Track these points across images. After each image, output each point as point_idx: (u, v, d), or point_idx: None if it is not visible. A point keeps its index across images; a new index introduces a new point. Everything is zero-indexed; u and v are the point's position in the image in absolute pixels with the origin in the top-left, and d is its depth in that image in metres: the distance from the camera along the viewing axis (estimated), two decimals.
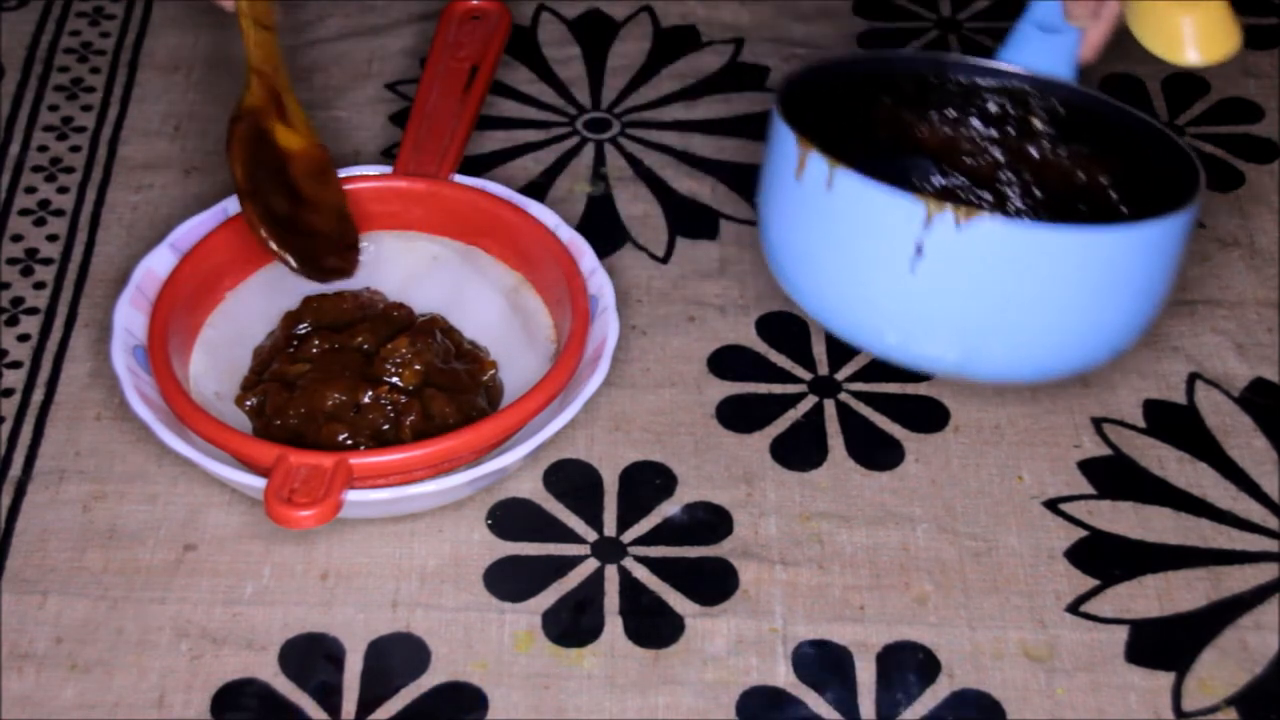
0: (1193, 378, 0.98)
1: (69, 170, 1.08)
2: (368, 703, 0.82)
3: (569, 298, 0.92)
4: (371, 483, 0.85)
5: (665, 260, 1.04)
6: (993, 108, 0.94)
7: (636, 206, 1.07)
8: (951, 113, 0.95)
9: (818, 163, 0.83)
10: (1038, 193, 0.94)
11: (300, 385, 0.90)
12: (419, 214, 0.99)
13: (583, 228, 1.01)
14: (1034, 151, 0.94)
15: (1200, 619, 0.87)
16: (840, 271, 0.85)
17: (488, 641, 0.85)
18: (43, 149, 1.10)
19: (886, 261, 0.82)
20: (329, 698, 0.83)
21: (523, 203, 0.97)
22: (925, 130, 0.95)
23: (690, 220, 1.07)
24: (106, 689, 0.83)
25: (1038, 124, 0.94)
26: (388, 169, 0.99)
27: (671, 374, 0.97)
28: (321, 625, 0.86)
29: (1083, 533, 0.90)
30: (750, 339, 0.99)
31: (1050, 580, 0.88)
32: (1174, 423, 0.95)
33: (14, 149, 1.10)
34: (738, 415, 0.95)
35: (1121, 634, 0.86)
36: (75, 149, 1.10)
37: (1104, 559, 0.89)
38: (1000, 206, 0.93)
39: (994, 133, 0.95)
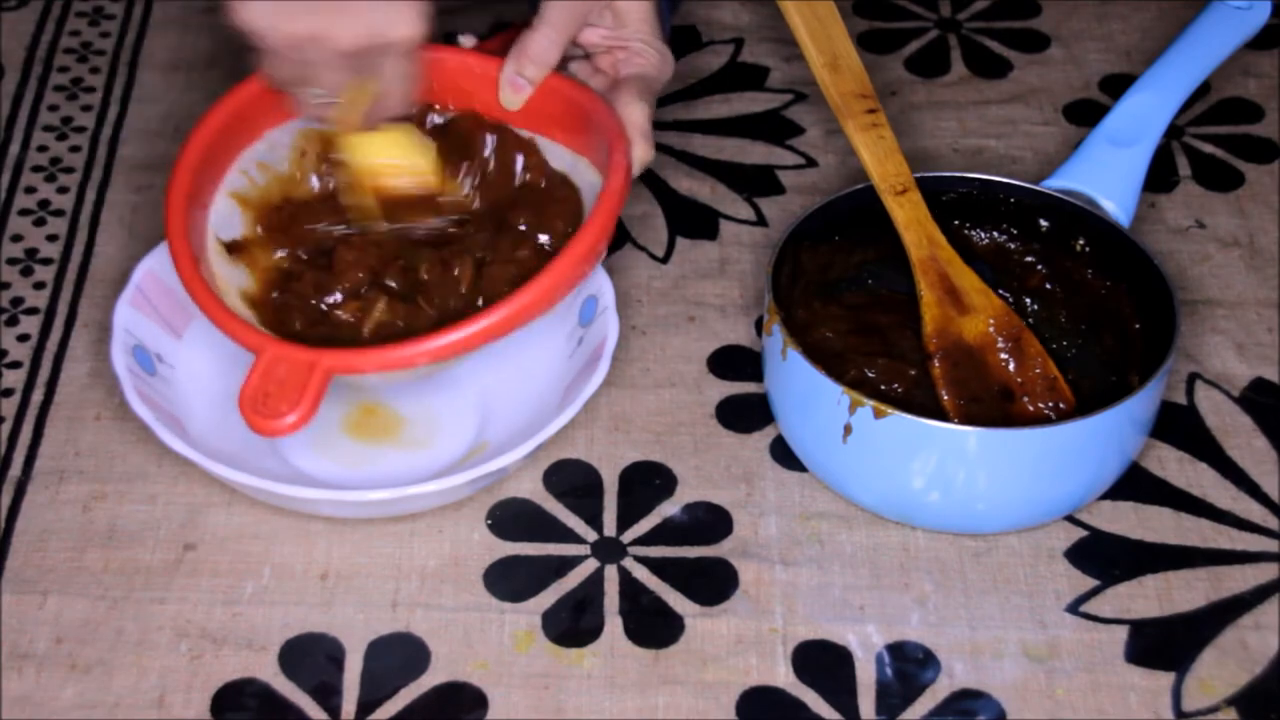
0: (1193, 378, 0.98)
1: (69, 170, 1.08)
2: (368, 703, 0.82)
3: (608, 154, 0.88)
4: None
5: (665, 260, 1.04)
6: (1043, 224, 0.96)
7: (636, 206, 1.07)
8: (1004, 225, 0.97)
9: (777, 334, 0.88)
10: (1063, 318, 0.97)
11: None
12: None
13: None
14: (1072, 272, 0.96)
15: (1200, 619, 0.87)
16: (800, 426, 0.91)
17: (488, 641, 0.85)
18: (43, 149, 1.10)
19: (826, 429, 0.88)
20: (329, 698, 0.82)
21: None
22: (981, 239, 0.98)
23: (690, 220, 1.07)
24: (106, 689, 0.83)
25: (1079, 245, 0.95)
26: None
27: (671, 374, 0.97)
28: (321, 625, 0.85)
29: (1083, 533, 0.90)
30: (750, 338, 1.00)
31: (1050, 580, 0.88)
32: (1174, 423, 0.95)
33: (14, 149, 1.10)
34: (738, 415, 0.95)
35: (1121, 634, 0.86)
36: (75, 149, 1.10)
37: (1104, 559, 0.89)
38: (1038, 323, 0.97)
39: (1038, 245, 0.97)
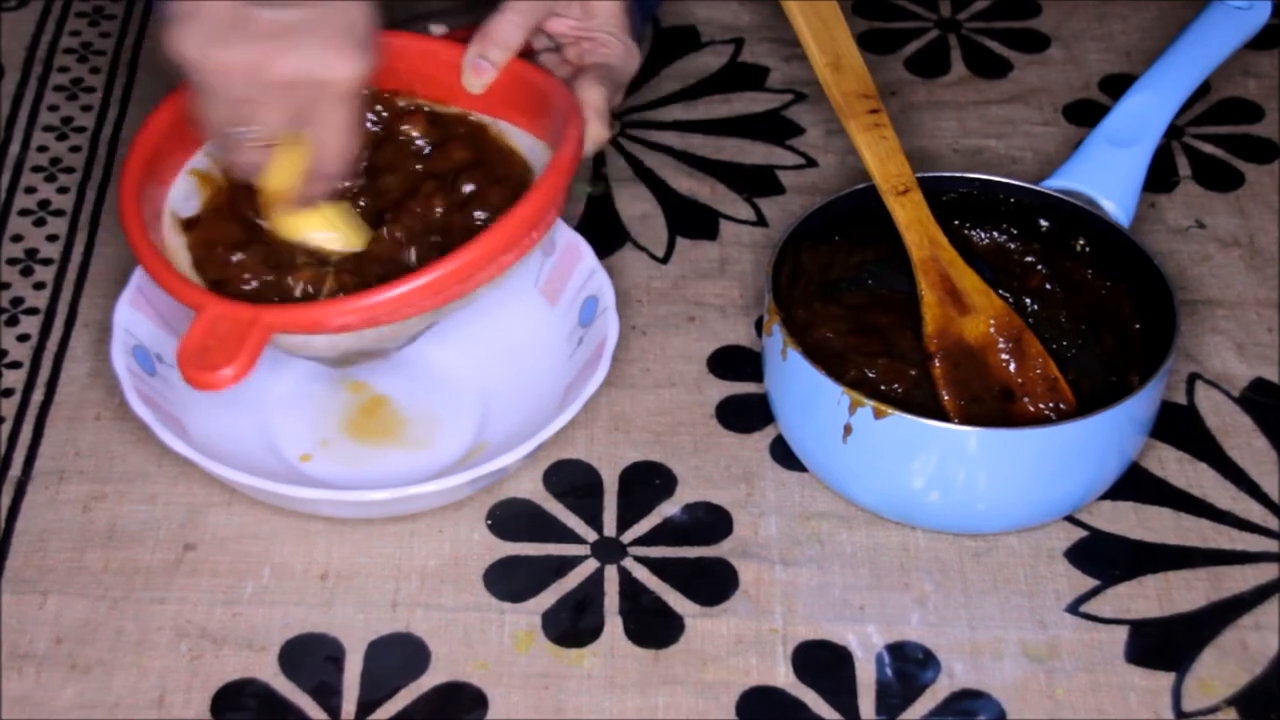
0: (1193, 378, 0.98)
1: (69, 170, 1.08)
2: (368, 703, 0.82)
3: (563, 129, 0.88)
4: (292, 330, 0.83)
5: (665, 260, 1.04)
6: (1043, 224, 0.96)
7: (636, 206, 1.07)
8: (1004, 225, 0.97)
9: (777, 334, 0.88)
10: (1063, 318, 0.97)
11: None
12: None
13: (583, 228, 1.01)
14: (1072, 272, 0.96)
15: (1200, 619, 0.87)
16: (800, 426, 0.90)
17: (488, 641, 0.85)
18: (43, 149, 1.10)
19: (826, 429, 0.87)
20: (329, 698, 0.82)
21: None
22: (981, 239, 0.98)
23: (690, 220, 1.07)
24: (106, 689, 0.83)
25: (1079, 245, 0.95)
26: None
27: (671, 374, 0.97)
28: (321, 625, 0.85)
29: (1083, 533, 0.90)
30: (750, 338, 1.00)
31: (1050, 580, 0.88)
32: (1174, 423, 0.95)
33: (14, 149, 1.10)
34: (738, 415, 0.95)
35: (1121, 634, 0.86)
36: (75, 149, 1.10)
37: (1104, 559, 0.89)
38: (1038, 323, 0.97)
39: (1038, 245, 0.97)
